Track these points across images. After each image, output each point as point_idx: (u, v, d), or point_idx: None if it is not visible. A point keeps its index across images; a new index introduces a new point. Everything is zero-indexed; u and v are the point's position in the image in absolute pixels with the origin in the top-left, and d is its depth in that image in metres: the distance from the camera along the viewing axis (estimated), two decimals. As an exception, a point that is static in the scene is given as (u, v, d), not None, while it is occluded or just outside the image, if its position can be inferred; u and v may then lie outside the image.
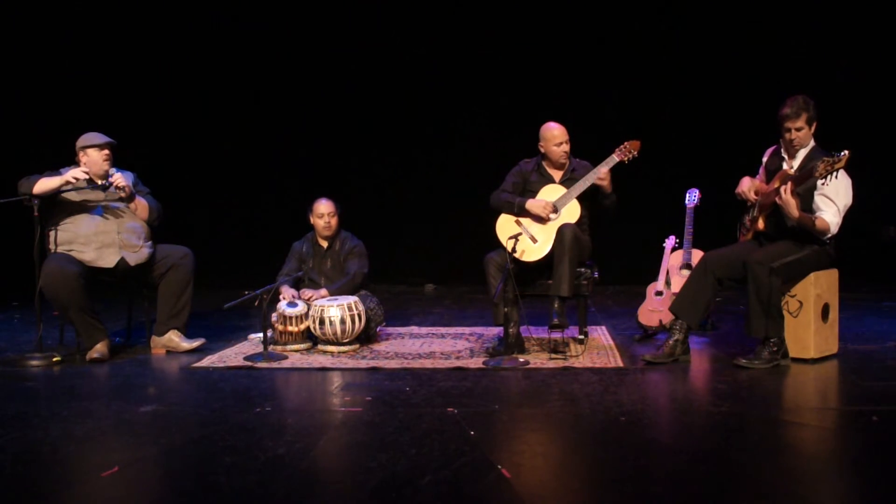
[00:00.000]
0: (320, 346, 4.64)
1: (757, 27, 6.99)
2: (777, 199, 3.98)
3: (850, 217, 4.08)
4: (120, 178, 4.51)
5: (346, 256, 5.07)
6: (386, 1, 7.42)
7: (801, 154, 4.11)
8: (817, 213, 3.99)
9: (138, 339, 4.94)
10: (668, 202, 5.72)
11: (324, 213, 5.03)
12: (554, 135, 4.59)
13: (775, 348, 4.04)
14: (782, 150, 4.21)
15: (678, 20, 7.12)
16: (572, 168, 4.68)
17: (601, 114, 7.00)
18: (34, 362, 4.32)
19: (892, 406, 3.32)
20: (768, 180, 4.23)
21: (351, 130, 7.69)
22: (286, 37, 7.54)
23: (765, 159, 4.35)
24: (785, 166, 4.15)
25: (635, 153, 4.53)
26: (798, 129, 4.05)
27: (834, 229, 4.01)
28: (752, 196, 4.20)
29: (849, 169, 4.00)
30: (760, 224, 4.20)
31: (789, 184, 3.93)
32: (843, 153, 3.73)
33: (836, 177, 3.83)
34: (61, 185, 4.38)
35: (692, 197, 5.20)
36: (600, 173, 4.48)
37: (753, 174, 4.37)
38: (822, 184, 3.89)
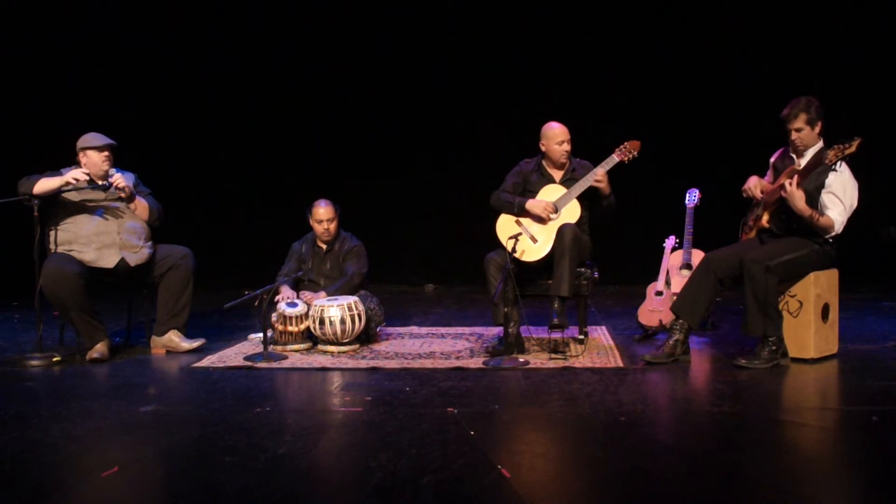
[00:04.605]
0: (320, 346, 4.64)
1: (757, 27, 6.99)
2: (782, 192, 3.98)
3: (850, 217, 4.08)
4: (120, 179, 4.51)
5: (346, 257, 5.06)
6: (387, 1, 7.43)
7: (810, 153, 4.12)
8: (823, 211, 4.00)
9: (138, 339, 4.94)
10: (668, 202, 5.72)
11: (322, 219, 4.99)
12: (555, 133, 4.59)
13: (774, 347, 4.03)
14: (790, 151, 4.21)
15: (679, 20, 7.12)
16: (573, 168, 4.68)
17: (601, 114, 7.00)
18: (34, 362, 4.32)
19: (892, 406, 3.32)
20: (775, 179, 4.23)
21: (351, 130, 7.69)
22: (286, 36, 7.55)
23: (772, 160, 4.35)
24: (794, 164, 4.16)
25: (635, 153, 4.53)
26: (798, 130, 4.07)
27: (839, 228, 4.01)
28: (758, 193, 4.20)
29: (852, 169, 4.01)
30: (764, 220, 4.19)
31: (795, 177, 3.94)
32: (854, 139, 3.74)
33: (846, 163, 3.83)
34: (61, 186, 4.39)
35: (692, 197, 5.20)
36: (597, 175, 4.48)
37: (753, 174, 4.37)
38: (832, 170, 3.90)
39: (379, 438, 2.94)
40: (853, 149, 3.76)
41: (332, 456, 2.86)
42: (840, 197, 3.98)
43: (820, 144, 4.12)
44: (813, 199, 4.01)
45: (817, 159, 4.00)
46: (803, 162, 4.12)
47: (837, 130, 4.18)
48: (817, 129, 4.08)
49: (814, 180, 3.99)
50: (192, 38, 7.50)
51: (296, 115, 7.69)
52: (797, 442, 3.02)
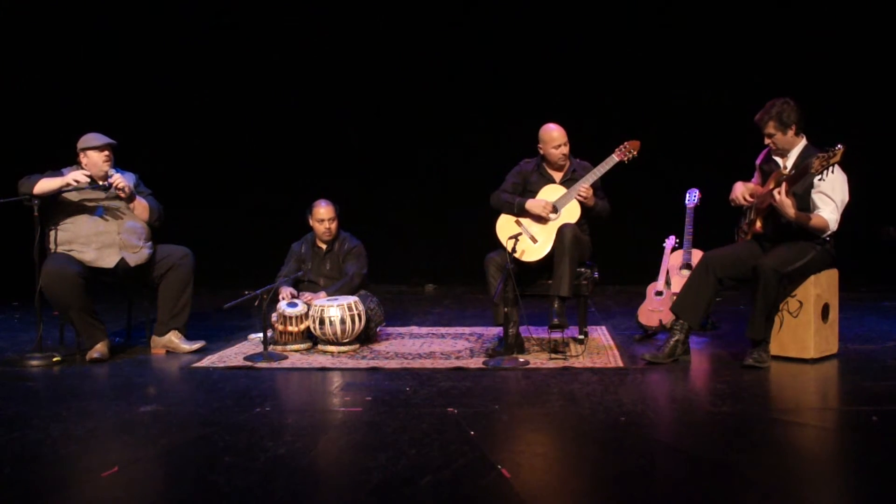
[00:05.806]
0: (320, 346, 4.64)
1: (757, 27, 6.99)
2: (772, 200, 3.98)
3: (849, 217, 4.08)
4: (119, 179, 4.51)
5: (345, 257, 5.06)
6: (390, 3, 7.43)
7: (794, 154, 4.11)
8: (815, 212, 3.99)
9: (138, 339, 4.94)
10: (668, 202, 5.72)
11: (324, 218, 5.00)
12: (553, 137, 4.58)
13: (767, 347, 4.09)
14: (773, 153, 4.21)
15: (678, 19, 7.11)
16: (573, 168, 4.68)
17: (601, 114, 7.00)
18: (34, 362, 4.32)
19: (892, 406, 3.32)
20: (763, 182, 4.23)
21: (351, 130, 7.69)
22: (285, 36, 7.55)
23: (758, 161, 4.35)
24: (780, 167, 4.16)
25: (635, 153, 4.53)
26: (769, 136, 4.08)
27: (833, 226, 4.01)
28: (745, 201, 4.19)
29: (848, 168, 4.01)
30: (758, 226, 4.19)
31: (784, 185, 3.93)
32: (837, 147, 3.73)
33: (833, 171, 3.83)
34: (62, 186, 4.39)
35: (692, 197, 5.20)
36: (581, 191, 4.47)
37: (752, 175, 4.37)
38: (819, 179, 3.89)
39: (379, 438, 2.94)
40: (837, 157, 3.73)
41: (331, 456, 2.86)
42: (830, 195, 3.97)
43: (803, 143, 4.11)
44: (804, 200, 4.01)
45: (803, 161, 3.97)
46: (789, 163, 4.10)
47: (837, 130, 4.18)
48: (791, 132, 4.06)
49: (802, 183, 3.99)
50: (192, 38, 7.50)
51: (296, 114, 7.69)
52: (797, 442, 3.02)
